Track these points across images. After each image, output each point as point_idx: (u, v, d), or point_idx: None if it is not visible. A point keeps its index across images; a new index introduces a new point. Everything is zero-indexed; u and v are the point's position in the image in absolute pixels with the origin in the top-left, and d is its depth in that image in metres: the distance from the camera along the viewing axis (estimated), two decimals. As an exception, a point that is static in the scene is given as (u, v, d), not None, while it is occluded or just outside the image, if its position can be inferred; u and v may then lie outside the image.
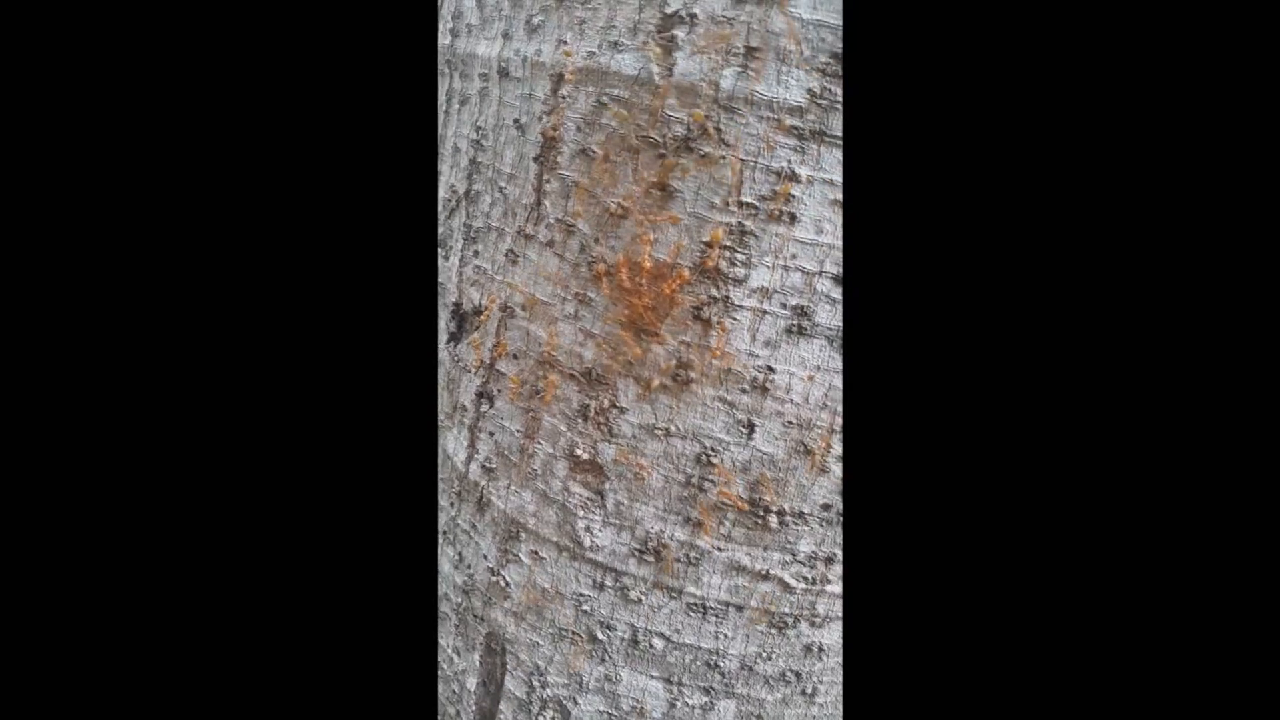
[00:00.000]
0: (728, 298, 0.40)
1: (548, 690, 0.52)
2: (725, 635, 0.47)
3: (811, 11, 0.35)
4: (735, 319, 0.41)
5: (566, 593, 0.49)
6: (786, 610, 0.47)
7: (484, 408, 0.51)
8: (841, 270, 0.39)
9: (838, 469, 0.43)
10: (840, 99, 0.36)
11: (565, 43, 0.42)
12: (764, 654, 0.48)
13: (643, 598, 0.47)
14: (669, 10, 0.38)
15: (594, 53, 0.41)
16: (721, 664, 0.48)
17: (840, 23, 0.35)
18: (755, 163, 0.38)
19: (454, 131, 0.53)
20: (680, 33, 0.38)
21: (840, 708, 0.51)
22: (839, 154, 0.37)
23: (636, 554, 0.47)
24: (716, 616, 0.47)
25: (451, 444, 0.55)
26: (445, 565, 0.57)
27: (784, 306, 0.40)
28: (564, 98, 0.43)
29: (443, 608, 0.58)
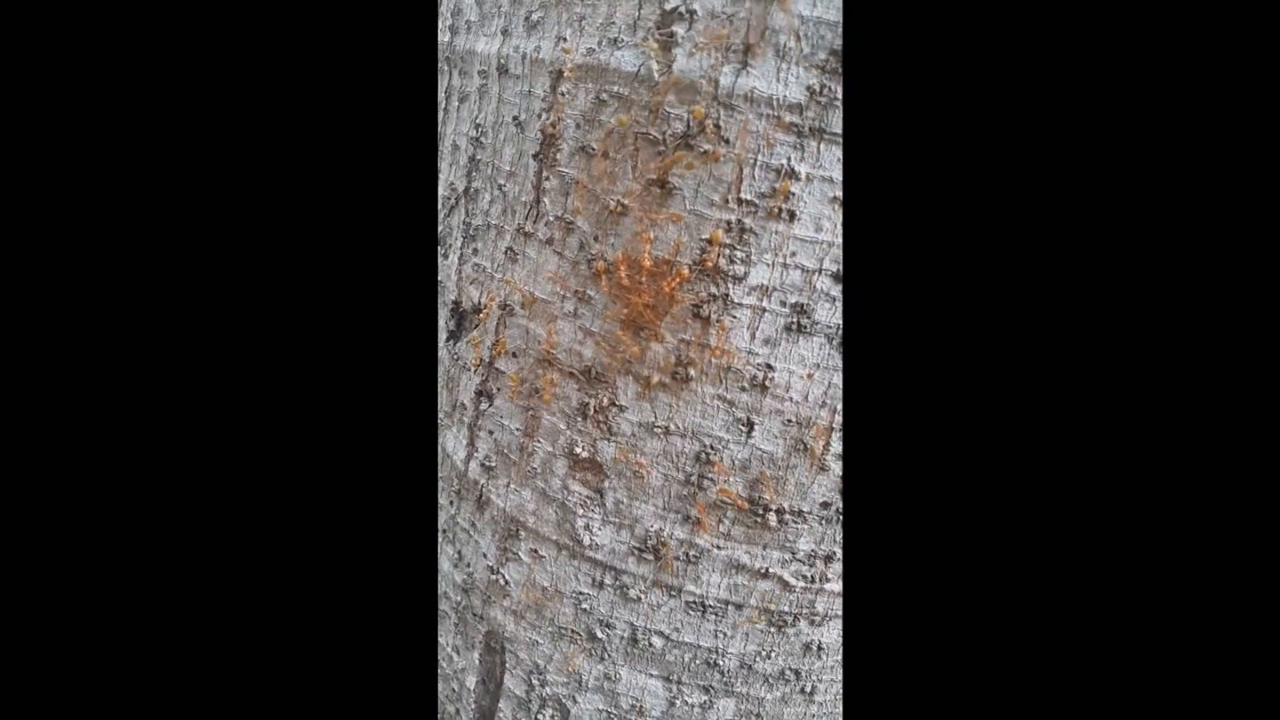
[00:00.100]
0: (727, 295, 0.40)
1: (547, 689, 0.52)
2: (724, 634, 0.47)
3: (811, 8, 0.35)
4: (735, 317, 0.41)
5: (566, 591, 0.49)
6: (786, 609, 0.47)
7: (483, 406, 0.51)
8: (841, 268, 0.39)
9: (837, 467, 0.43)
10: (840, 96, 0.36)
11: (564, 39, 0.42)
12: (763, 652, 0.48)
13: (642, 596, 0.47)
14: (668, 7, 0.38)
15: (593, 49, 0.41)
16: (721, 662, 0.48)
17: (840, 19, 0.35)
18: (755, 160, 0.38)
19: (453, 129, 0.53)
20: (679, 29, 0.38)
21: (839, 706, 0.51)
22: (838, 151, 0.37)
23: (636, 552, 0.47)
24: (716, 615, 0.47)
25: (451, 442, 0.55)
26: (445, 564, 0.57)
27: (783, 304, 0.40)
28: (563, 95, 0.42)
29: (442, 606, 0.58)
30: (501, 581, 0.52)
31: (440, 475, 0.56)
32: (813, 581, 0.46)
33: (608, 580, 0.48)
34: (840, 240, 0.39)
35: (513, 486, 0.50)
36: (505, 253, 0.48)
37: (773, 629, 0.47)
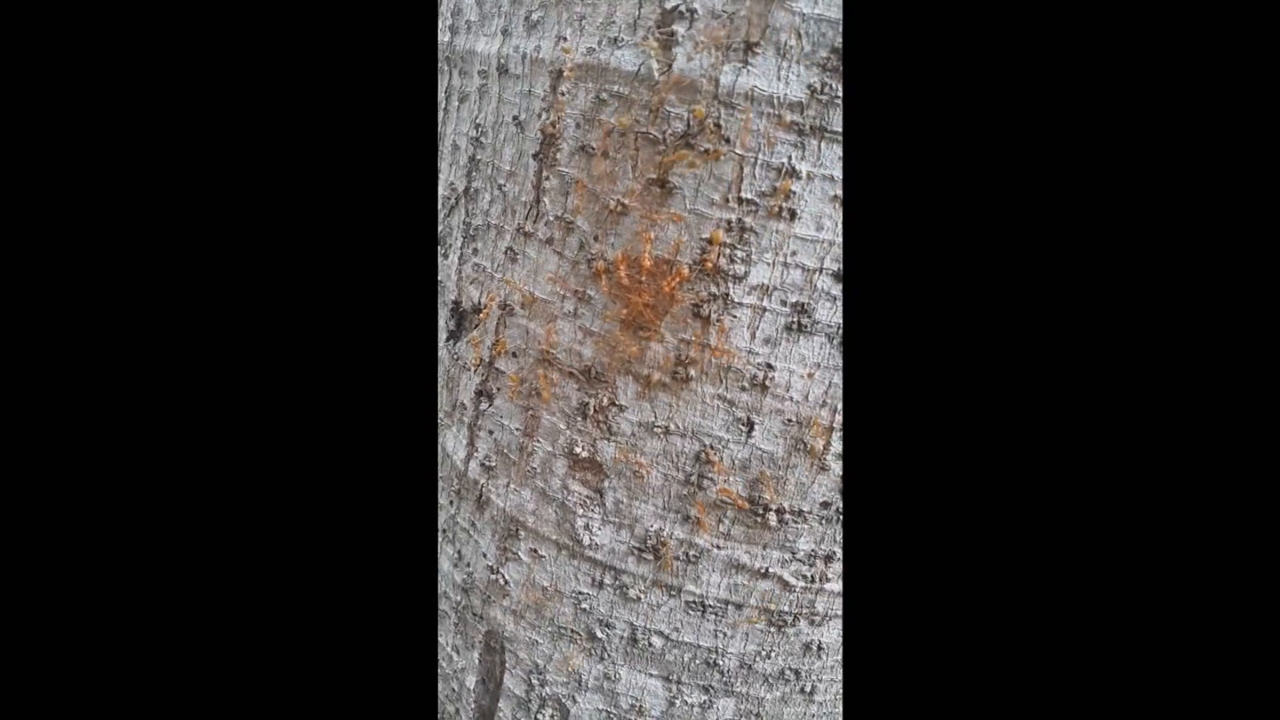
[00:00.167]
0: (727, 295, 0.40)
1: (547, 688, 0.52)
2: (724, 633, 0.47)
3: (812, 6, 0.35)
4: (735, 316, 0.41)
5: (566, 591, 0.49)
6: (786, 608, 0.47)
7: (483, 406, 0.51)
8: (841, 267, 0.39)
9: (837, 467, 0.43)
10: (840, 94, 0.36)
11: (564, 39, 0.42)
12: (763, 652, 0.48)
13: (642, 596, 0.47)
14: (669, 5, 0.38)
15: (593, 49, 0.41)
16: (720, 662, 0.48)
17: (840, 17, 0.35)
18: (755, 159, 0.38)
19: (453, 129, 0.53)
20: (680, 28, 0.38)
21: (839, 706, 0.51)
22: (839, 150, 0.37)
23: (636, 552, 0.47)
24: (716, 615, 0.47)
25: (451, 442, 0.55)
26: (445, 563, 0.57)
27: (784, 303, 0.40)
28: (563, 94, 0.42)
29: (442, 606, 0.58)
30: (501, 581, 0.52)
31: (440, 475, 0.56)
32: (813, 581, 0.46)
33: (607, 580, 0.48)
34: (841, 239, 0.39)
35: (512, 486, 0.50)
36: (505, 252, 0.48)
37: (773, 629, 0.47)
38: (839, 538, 0.45)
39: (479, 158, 0.50)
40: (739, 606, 0.47)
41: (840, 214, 0.38)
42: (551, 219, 0.44)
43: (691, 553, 0.46)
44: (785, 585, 0.46)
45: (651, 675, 0.49)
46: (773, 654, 0.48)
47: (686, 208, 0.40)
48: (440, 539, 0.57)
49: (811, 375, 0.41)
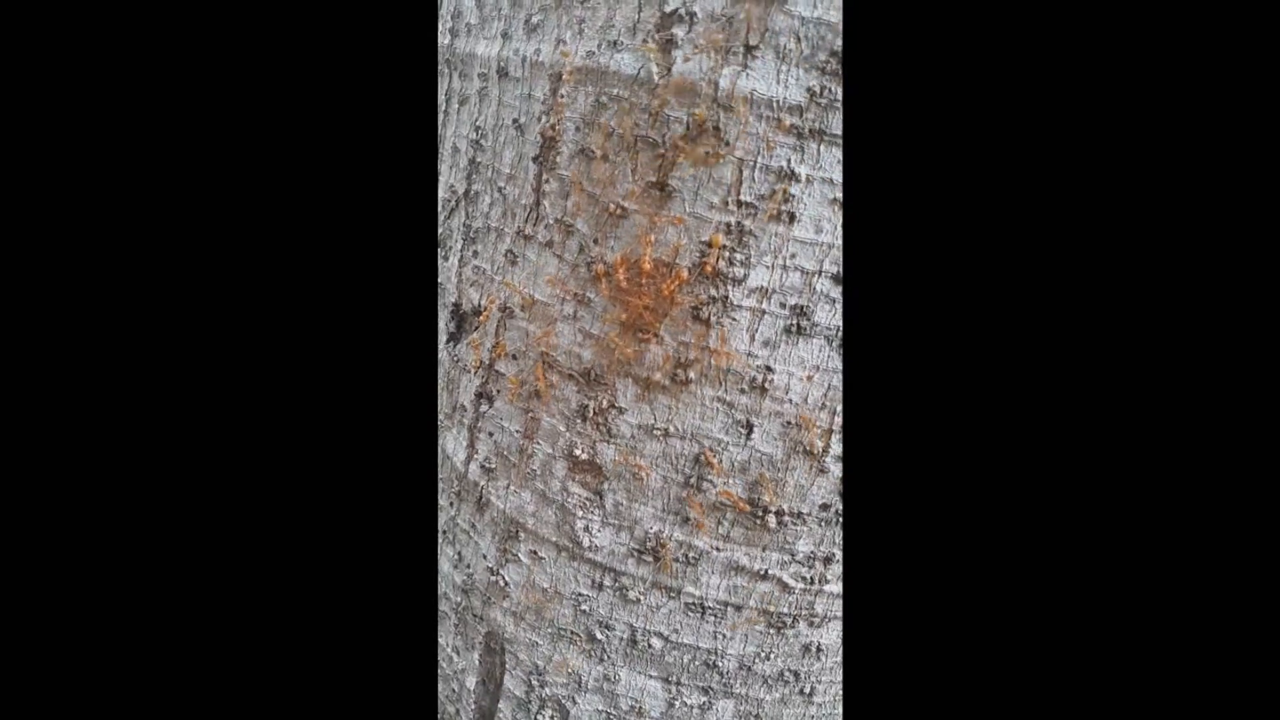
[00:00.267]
0: (726, 297, 0.40)
1: (547, 689, 0.52)
2: (724, 635, 0.47)
3: (811, 9, 0.35)
4: (734, 319, 0.41)
5: (565, 592, 0.49)
6: (785, 610, 0.47)
7: (483, 408, 0.51)
8: (841, 270, 0.39)
9: (837, 469, 0.43)
10: (840, 98, 0.36)
11: (564, 42, 0.42)
12: (762, 654, 0.48)
13: (641, 598, 0.47)
14: (668, 9, 0.38)
15: (593, 52, 0.41)
16: (720, 664, 0.48)
17: (840, 20, 0.35)
18: (755, 162, 0.38)
19: (453, 131, 0.53)
20: (679, 31, 0.38)
21: (839, 707, 0.51)
22: (838, 153, 0.37)
23: (635, 554, 0.47)
24: (715, 616, 0.47)
25: (451, 444, 0.55)
26: (445, 565, 0.57)
27: (783, 306, 0.40)
28: (563, 97, 0.42)
29: (442, 607, 0.58)
30: (501, 583, 0.52)
31: (440, 477, 0.56)
32: (812, 583, 0.46)
33: (607, 582, 0.48)
34: (840, 242, 0.39)
35: (512, 488, 0.50)
36: (505, 255, 0.48)
37: (772, 630, 0.47)
38: (838, 540, 0.45)
39: (479, 160, 0.50)
40: (738, 608, 0.47)
41: (839, 217, 0.38)
42: (551, 222, 0.45)
43: (691, 554, 0.46)
44: (784, 587, 0.46)
45: (651, 676, 0.49)
46: (772, 655, 0.48)
47: (686, 210, 0.40)
48: (440, 540, 0.57)
49: (811, 378, 0.41)
